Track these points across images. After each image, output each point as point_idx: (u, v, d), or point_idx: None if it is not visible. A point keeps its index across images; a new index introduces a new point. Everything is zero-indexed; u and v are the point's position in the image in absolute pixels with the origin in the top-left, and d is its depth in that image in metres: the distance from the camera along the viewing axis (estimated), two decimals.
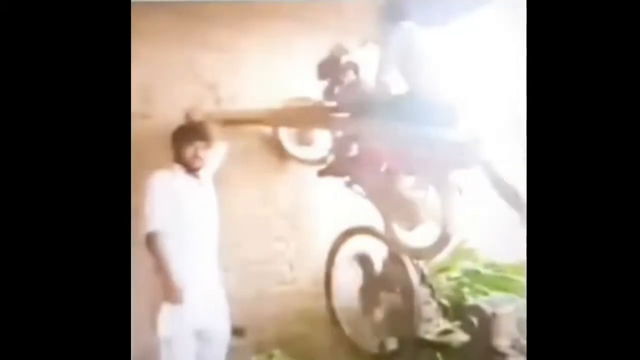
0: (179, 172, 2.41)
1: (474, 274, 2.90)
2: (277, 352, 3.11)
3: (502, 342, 2.35)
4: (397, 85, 2.32)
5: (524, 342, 2.43)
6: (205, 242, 2.41)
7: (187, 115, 2.67)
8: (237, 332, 3.02)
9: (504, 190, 1.92)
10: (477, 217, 2.65)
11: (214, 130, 2.71)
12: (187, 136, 2.44)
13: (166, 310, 2.20)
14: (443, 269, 2.95)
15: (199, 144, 2.44)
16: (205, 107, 2.90)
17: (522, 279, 2.72)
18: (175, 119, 2.68)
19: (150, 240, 2.19)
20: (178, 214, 2.29)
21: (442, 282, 2.91)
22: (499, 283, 2.76)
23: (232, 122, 2.93)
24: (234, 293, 3.01)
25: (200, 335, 2.35)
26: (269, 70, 3.24)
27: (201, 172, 2.47)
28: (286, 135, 3.17)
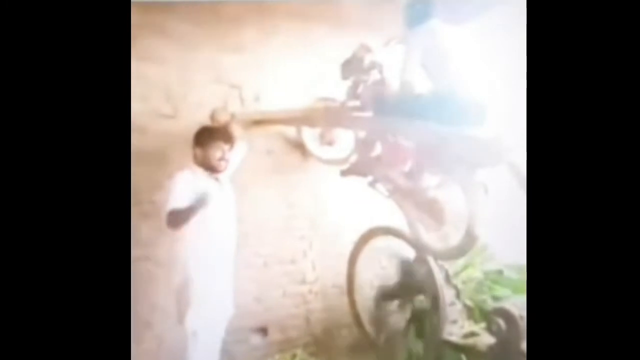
0: (200, 173, 2.42)
1: (497, 275, 2.84)
2: (299, 352, 3.12)
3: None
4: (421, 84, 2.29)
5: None
6: (224, 242, 2.45)
7: (213, 117, 2.70)
8: (259, 330, 3.05)
9: None
10: (503, 216, 2.59)
11: (238, 131, 2.74)
12: (214, 138, 2.44)
13: (193, 304, 2.24)
14: (466, 270, 2.90)
15: (226, 146, 2.47)
16: (229, 108, 2.93)
17: None
18: (199, 119, 2.72)
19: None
20: (199, 214, 2.32)
21: (466, 283, 2.86)
22: (522, 285, 2.69)
23: (256, 122, 2.95)
24: (256, 292, 3.05)
25: (219, 332, 2.41)
26: (293, 71, 3.26)
27: (221, 174, 2.50)
28: (309, 135, 3.18)
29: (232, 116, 2.78)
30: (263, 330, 3.07)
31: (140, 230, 2.65)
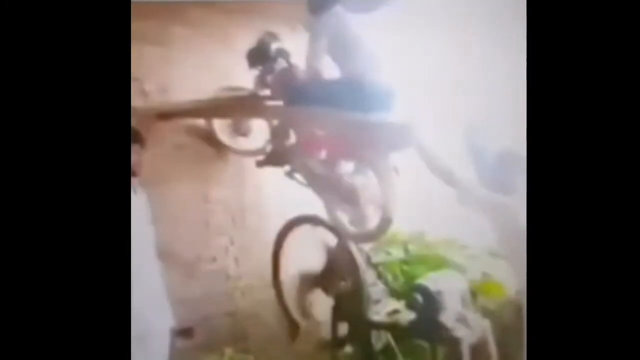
0: None
1: (413, 253, 2.98)
2: (228, 350, 3.05)
3: (448, 317, 2.43)
4: (329, 71, 2.29)
5: (467, 315, 2.53)
6: (141, 243, 2.32)
7: None
8: (184, 333, 2.94)
9: (439, 169, 1.96)
10: (414, 197, 2.71)
11: (142, 127, 2.57)
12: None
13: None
14: (384, 250, 3.01)
15: (135, 147, 2.32)
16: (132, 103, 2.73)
17: (457, 254, 2.90)
18: None
19: None
20: None
21: (386, 263, 2.96)
22: (435, 260, 2.85)
23: (160, 116, 2.79)
24: (178, 293, 2.92)
25: (144, 337, 2.29)
26: (199, 60, 3.11)
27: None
28: (220, 127, 3.07)
29: (134, 111, 2.60)
30: (188, 332, 2.96)
31: None
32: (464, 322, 2.45)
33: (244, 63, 2.63)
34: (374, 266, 2.81)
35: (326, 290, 2.93)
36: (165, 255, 2.84)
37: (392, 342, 2.71)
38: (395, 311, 2.73)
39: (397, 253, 2.99)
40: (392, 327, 2.68)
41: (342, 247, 2.78)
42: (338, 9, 2.31)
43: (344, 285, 2.83)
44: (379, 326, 2.72)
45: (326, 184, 2.55)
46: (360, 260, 2.72)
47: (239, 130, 3.06)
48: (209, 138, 3.09)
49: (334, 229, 2.74)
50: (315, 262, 3.02)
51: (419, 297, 2.43)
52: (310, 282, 3.02)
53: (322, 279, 2.95)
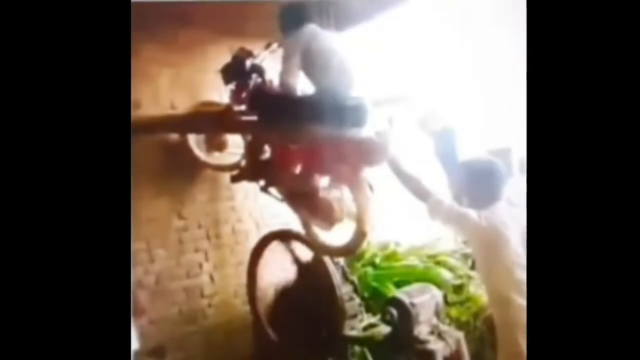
0: None
1: (384, 266, 3.00)
2: None
3: (422, 330, 2.45)
4: (303, 87, 2.32)
5: (442, 327, 2.55)
6: None
7: None
8: (155, 352, 2.87)
9: (410, 183, 1.99)
10: (387, 211, 2.75)
11: None
12: None
13: None
14: (360, 264, 3.02)
15: None
16: None
17: (430, 267, 2.92)
18: None
19: None
20: None
21: (362, 277, 2.97)
22: (408, 273, 2.88)
23: (135, 131, 2.75)
24: (151, 312, 2.86)
25: None
26: (175, 76, 3.09)
27: None
28: (195, 142, 3.05)
29: None
30: (160, 352, 2.89)
31: None
32: (438, 335, 2.48)
33: (218, 79, 2.63)
34: (351, 281, 2.81)
35: (302, 305, 2.91)
36: (135, 272, 2.80)
37: (369, 357, 2.71)
38: (371, 325, 2.73)
39: (371, 266, 3.01)
40: (368, 342, 2.68)
41: (318, 262, 2.78)
42: (311, 26, 2.35)
43: (320, 300, 2.83)
44: (355, 341, 2.72)
45: (301, 199, 2.55)
46: (336, 275, 2.73)
47: (214, 145, 3.04)
48: (184, 153, 3.06)
49: (309, 243, 2.74)
50: (291, 277, 3.01)
51: (394, 311, 2.44)
52: (287, 297, 3.00)
53: (298, 295, 2.94)
